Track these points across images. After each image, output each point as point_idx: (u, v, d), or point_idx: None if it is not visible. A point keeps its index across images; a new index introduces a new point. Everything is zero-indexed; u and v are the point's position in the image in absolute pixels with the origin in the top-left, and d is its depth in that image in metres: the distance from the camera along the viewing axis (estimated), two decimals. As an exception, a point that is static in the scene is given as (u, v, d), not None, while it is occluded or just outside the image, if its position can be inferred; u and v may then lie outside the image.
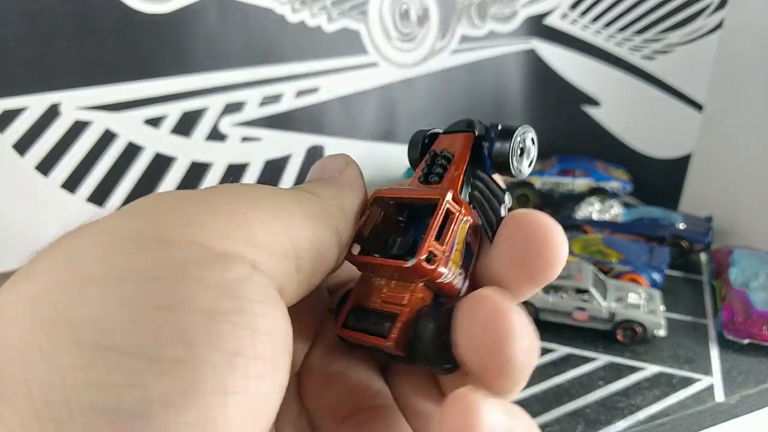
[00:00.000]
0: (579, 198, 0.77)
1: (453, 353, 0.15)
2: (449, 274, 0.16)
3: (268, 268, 0.14)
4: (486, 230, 0.17)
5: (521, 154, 0.18)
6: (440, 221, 0.16)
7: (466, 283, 0.17)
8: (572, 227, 0.72)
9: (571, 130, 0.89)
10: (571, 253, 0.63)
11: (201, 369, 0.11)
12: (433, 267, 0.15)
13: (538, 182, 0.81)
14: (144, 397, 0.10)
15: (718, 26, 0.75)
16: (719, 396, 0.46)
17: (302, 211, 0.15)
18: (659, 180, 0.84)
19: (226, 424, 0.11)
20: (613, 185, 0.79)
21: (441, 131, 0.19)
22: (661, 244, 0.67)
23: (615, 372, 0.49)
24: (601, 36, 0.83)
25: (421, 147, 0.19)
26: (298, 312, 0.15)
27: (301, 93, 0.71)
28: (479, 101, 0.85)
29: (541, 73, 0.86)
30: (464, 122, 0.18)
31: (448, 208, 0.16)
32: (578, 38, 0.84)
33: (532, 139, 0.18)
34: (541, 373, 0.49)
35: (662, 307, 0.53)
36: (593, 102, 0.87)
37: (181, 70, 0.62)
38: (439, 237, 0.16)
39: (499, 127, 0.18)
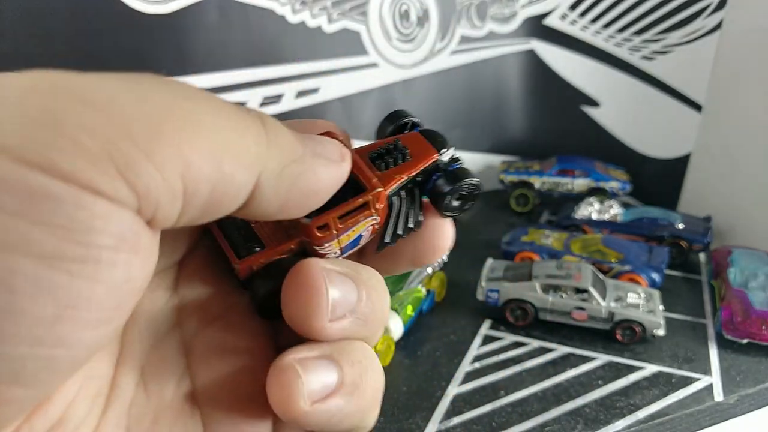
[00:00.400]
0: (578, 198, 0.77)
1: (276, 306, 0.16)
2: (329, 248, 0.17)
3: (145, 205, 0.12)
4: (381, 238, 0.18)
5: (459, 199, 0.18)
6: (355, 207, 0.16)
7: None
8: (571, 227, 0.72)
9: (571, 131, 0.89)
10: (570, 253, 0.63)
11: (20, 321, 0.11)
12: (320, 236, 0.16)
13: (537, 182, 0.81)
14: None
15: (717, 27, 0.75)
16: (718, 395, 0.46)
17: (230, 139, 0.13)
18: (658, 180, 0.84)
19: (46, 378, 0.11)
20: (612, 185, 0.79)
21: (420, 126, 0.19)
22: (660, 244, 0.67)
23: (614, 371, 0.49)
24: (601, 36, 0.83)
25: (397, 127, 0.19)
26: None
27: (301, 93, 0.71)
28: (479, 102, 0.86)
29: (540, 73, 0.86)
30: (441, 138, 0.18)
31: (368, 201, 0.17)
32: (578, 39, 0.84)
33: (475, 194, 0.19)
34: (540, 373, 0.49)
35: (661, 307, 0.53)
36: (593, 102, 0.87)
37: (181, 71, 0.62)
38: (343, 217, 0.16)
39: (456, 167, 0.18)
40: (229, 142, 0.13)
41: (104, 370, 0.15)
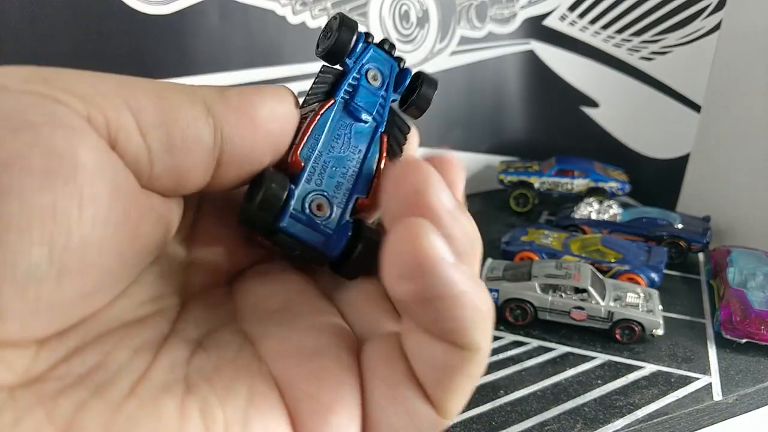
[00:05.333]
0: (577, 198, 0.77)
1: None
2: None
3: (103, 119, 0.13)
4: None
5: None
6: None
7: None
8: (571, 227, 0.72)
9: (570, 131, 0.89)
10: (569, 253, 0.63)
11: None
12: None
13: (536, 182, 0.82)
14: None
15: (716, 28, 0.75)
16: (717, 395, 0.46)
17: (160, 83, 0.14)
18: (657, 180, 0.84)
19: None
20: (611, 185, 0.80)
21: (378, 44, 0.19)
22: (659, 244, 0.67)
23: (613, 371, 0.49)
24: (600, 37, 0.83)
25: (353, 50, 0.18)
26: None
27: (302, 94, 0.71)
28: (478, 102, 0.86)
29: (539, 74, 0.87)
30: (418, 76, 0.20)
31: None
32: (577, 40, 0.84)
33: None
34: (539, 372, 0.49)
35: (660, 307, 0.53)
36: (592, 103, 0.87)
37: (182, 72, 0.62)
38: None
39: (410, 71, 0.20)
40: (160, 85, 0.14)
41: (150, 335, 0.15)
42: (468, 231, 0.14)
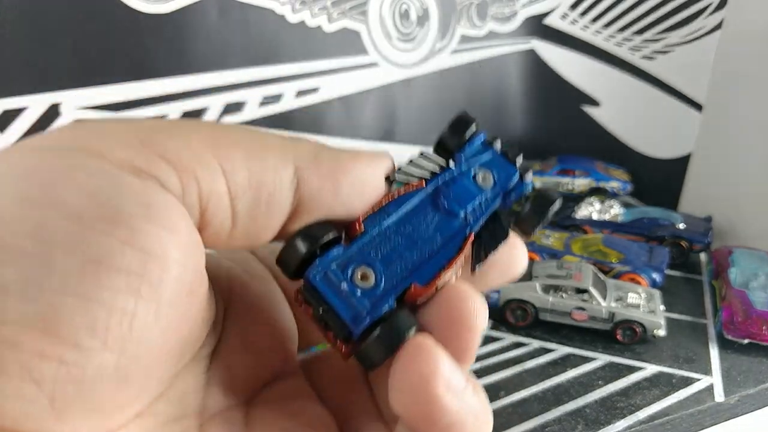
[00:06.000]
0: (579, 198, 0.77)
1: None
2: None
3: (188, 190, 0.13)
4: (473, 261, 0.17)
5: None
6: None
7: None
8: (572, 227, 0.72)
9: (571, 130, 0.89)
10: (570, 253, 0.63)
11: (46, 265, 0.11)
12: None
13: (538, 182, 0.81)
14: None
15: (718, 26, 0.75)
16: (719, 396, 0.46)
17: (254, 138, 0.14)
18: (659, 180, 0.84)
19: (70, 321, 0.11)
20: (612, 185, 0.79)
21: (490, 140, 0.18)
22: (661, 244, 0.67)
23: (614, 372, 0.49)
24: (601, 36, 0.83)
25: (461, 141, 0.18)
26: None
27: (301, 93, 0.71)
28: (479, 101, 0.85)
29: (540, 73, 0.86)
30: (524, 167, 0.18)
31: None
32: (578, 38, 0.84)
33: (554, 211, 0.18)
34: (540, 373, 0.49)
35: (662, 307, 0.53)
36: (593, 102, 0.87)
37: (181, 70, 0.62)
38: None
39: (530, 186, 0.18)
40: (255, 142, 0.14)
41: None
42: (476, 411, 0.14)
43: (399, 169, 0.17)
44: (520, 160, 0.18)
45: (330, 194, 0.15)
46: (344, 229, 0.16)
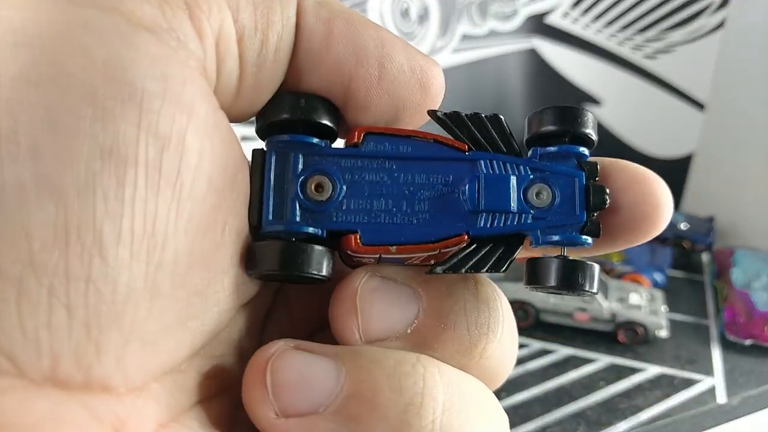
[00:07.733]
0: (580, 198, 0.77)
1: None
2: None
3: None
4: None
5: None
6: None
7: None
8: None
9: (573, 130, 0.88)
10: (572, 253, 0.63)
11: (64, 162, 0.09)
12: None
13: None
14: None
15: (720, 25, 0.74)
16: (721, 397, 0.46)
17: None
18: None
19: (93, 227, 0.09)
20: (614, 185, 0.79)
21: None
22: (663, 245, 0.67)
23: (616, 373, 0.49)
24: (603, 35, 0.83)
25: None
26: None
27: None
28: (480, 100, 0.85)
29: (542, 72, 0.86)
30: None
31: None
32: (579, 37, 0.84)
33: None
34: (542, 375, 0.49)
35: (664, 308, 0.53)
36: (594, 101, 0.87)
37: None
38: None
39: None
40: None
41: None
42: None
43: (456, 112, 0.14)
44: (596, 210, 0.14)
45: (322, 46, 0.13)
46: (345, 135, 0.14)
